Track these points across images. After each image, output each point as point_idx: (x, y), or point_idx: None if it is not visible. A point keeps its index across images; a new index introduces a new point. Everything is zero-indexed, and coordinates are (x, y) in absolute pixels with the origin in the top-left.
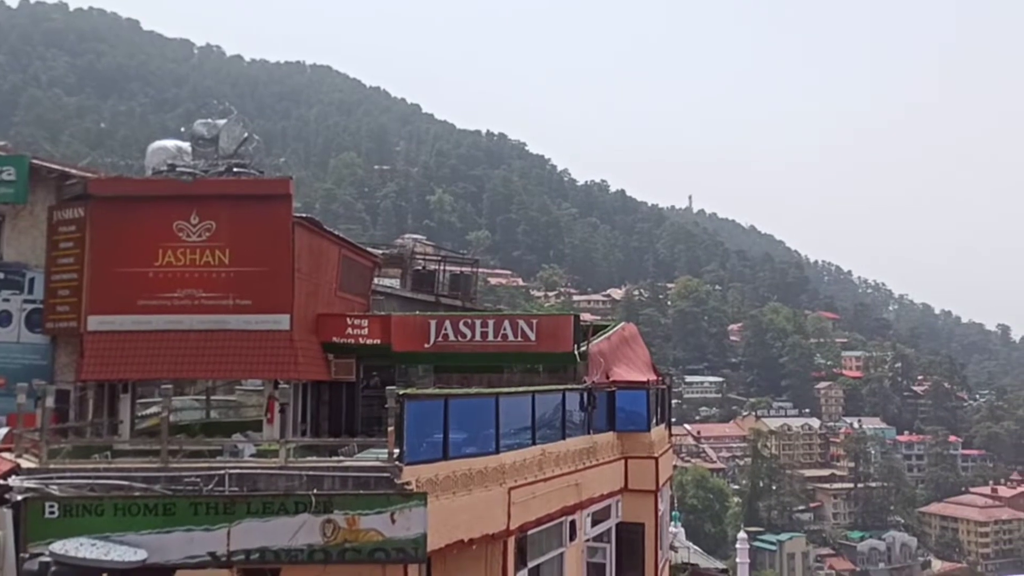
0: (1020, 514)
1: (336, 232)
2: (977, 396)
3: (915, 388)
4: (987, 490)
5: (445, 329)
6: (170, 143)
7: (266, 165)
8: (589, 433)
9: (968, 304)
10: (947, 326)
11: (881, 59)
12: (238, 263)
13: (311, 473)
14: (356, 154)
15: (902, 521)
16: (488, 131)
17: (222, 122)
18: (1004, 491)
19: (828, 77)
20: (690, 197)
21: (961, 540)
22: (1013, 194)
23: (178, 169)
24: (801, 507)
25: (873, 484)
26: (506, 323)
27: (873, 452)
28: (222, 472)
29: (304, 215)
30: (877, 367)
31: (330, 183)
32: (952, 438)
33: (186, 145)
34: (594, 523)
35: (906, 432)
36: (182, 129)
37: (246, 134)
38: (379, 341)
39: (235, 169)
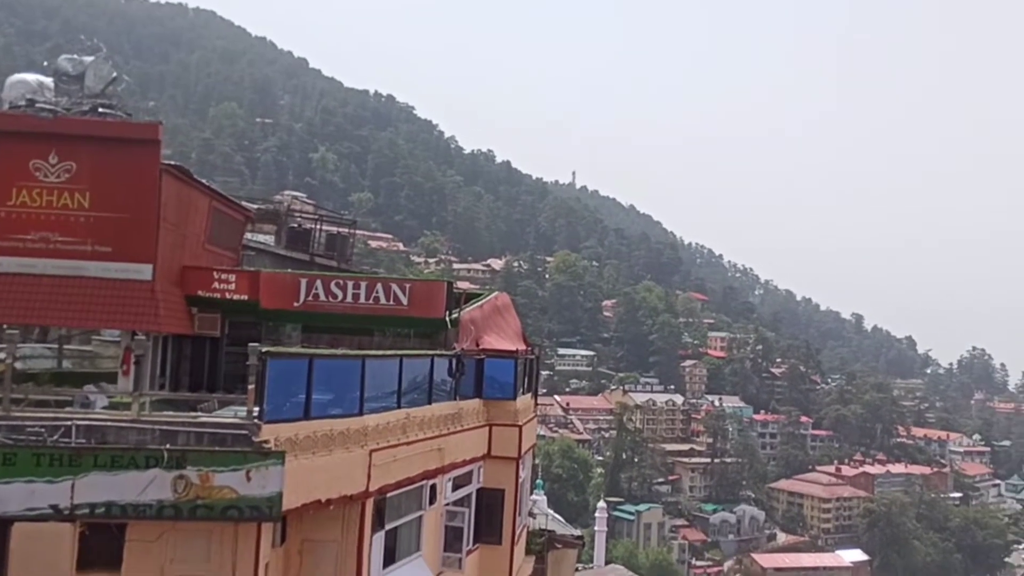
0: (860, 492)
1: (207, 183)
2: (829, 380)
3: (773, 370)
4: (832, 469)
5: (316, 289)
6: (31, 77)
7: (138, 109)
8: (455, 399)
9: (827, 292)
10: (807, 312)
11: (758, 41)
12: (99, 208)
13: (165, 428)
14: (237, 105)
15: (753, 495)
16: (376, 92)
17: (89, 59)
18: (847, 470)
19: (708, 60)
20: (574, 173)
21: (805, 515)
22: (869, 192)
23: (37, 105)
24: (660, 479)
25: (729, 460)
26: (379, 286)
27: (731, 429)
28: (69, 423)
29: (173, 163)
30: (740, 348)
31: (208, 133)
32: (804, 419)
33: (49, 81)
34: (455, 487)
35: (762, 411)
36: (45, 63)
37: (115, 74)
38: (247, 297)
39: (100, 110)
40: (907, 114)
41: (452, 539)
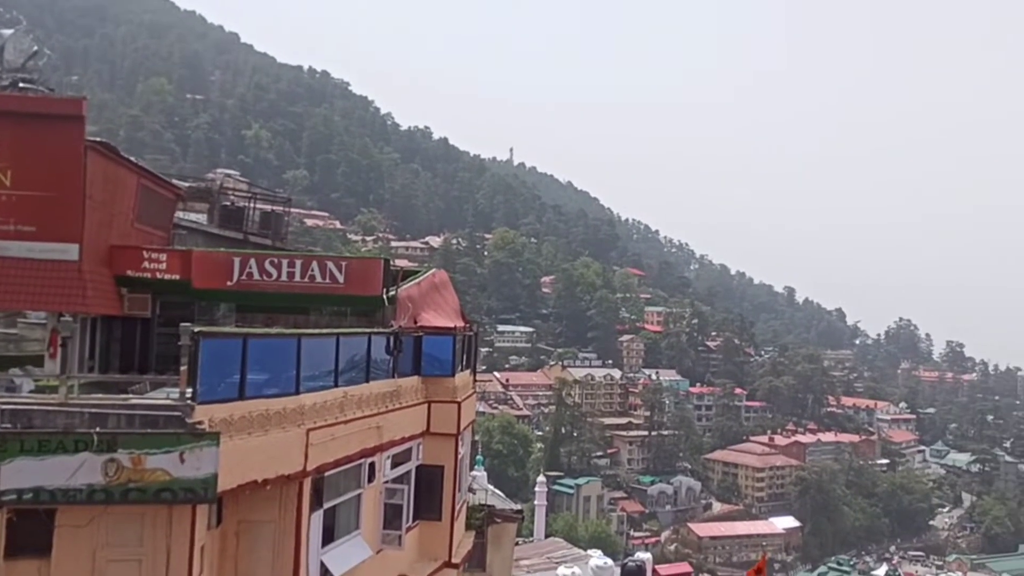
0: (792, 461)
1: (136, 160)
2: (762, 352)
3: (709, 343)
4: (765, 439)
5: (250, 267)
6: None
7: (61, 84)
8: (394, 377)
9: (760, 266)
10: (741, 286)
11: (690, 9)
12: (21, 186)
13: (94, 411)
14: (167, 81)
15: (689, 467)
16: (311, 68)
17: (9, 32)
18: (779, 440)
19: (641, 32)
20: (511, 150)
21: (740, 484)
22: (800, 170)
23: None
24: (599, 453)
25: (666, 432)
26: (314, 264)
27: (667, 402)
28: None
29: (99, 139)
30: (676, 323)
31: (137, 109)
32: (738, 390)
33: None
34: (394, 465)
35: (698, 384)
36: None
37: (36, 47)
38: (178, 277)
39: (21, 85)
40: (827, 99)
41: (392, 516)
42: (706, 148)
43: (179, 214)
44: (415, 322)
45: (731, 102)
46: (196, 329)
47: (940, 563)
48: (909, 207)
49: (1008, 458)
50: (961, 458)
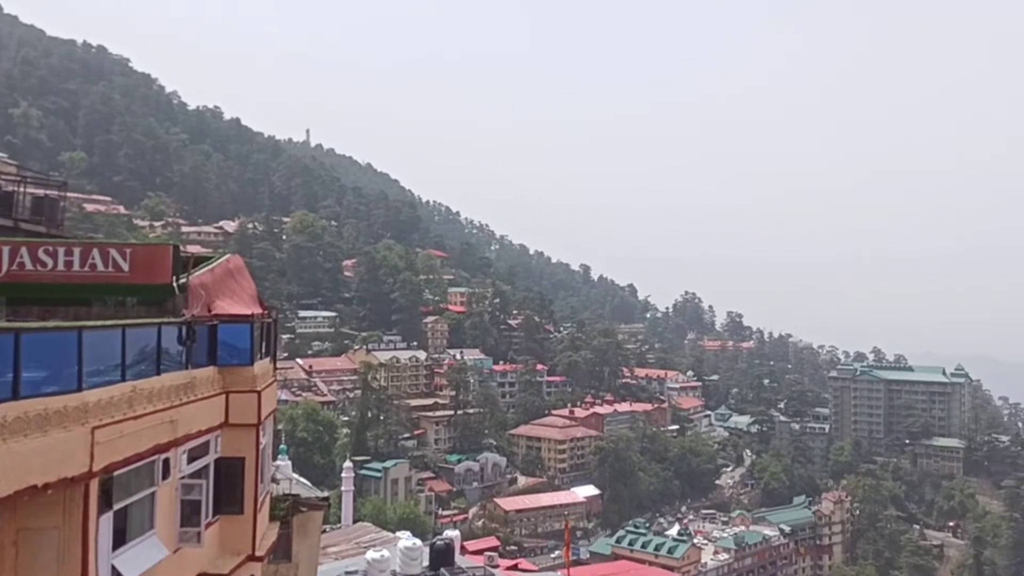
0: (591, 432)
1: None
2: (561, 329)
3: (510, 322)
4: (566, 412)
5: (21, 257)
6: None
7: None
8: (188, 368)
9: (557, 245)
10: (540, 265)
11: None
12: None
13: None
14: None
15: (494, 443)
16: (85, 42)
17: None
18: (579, 412)
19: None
20: (308, 131)
21: (543, 457)
22: (586, 146)
23: None
24: (406, 435)
25: (471, 411)
26: (95, 252)
27: (472, 381)
28: None
29: None
30: (479, 302)
31: None
32: (539, 366)
33: None
34: (191, 460)
35: (501, 362)
36: None
37: None
38: None
39: None
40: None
41: (190, 513)
42: (500, 124)
43: None
44: (209, 310)
45: (509, 83)
46: None
47: (726, 519)
48: (690, 190)
49: (782, 418)
50: (742, 420)
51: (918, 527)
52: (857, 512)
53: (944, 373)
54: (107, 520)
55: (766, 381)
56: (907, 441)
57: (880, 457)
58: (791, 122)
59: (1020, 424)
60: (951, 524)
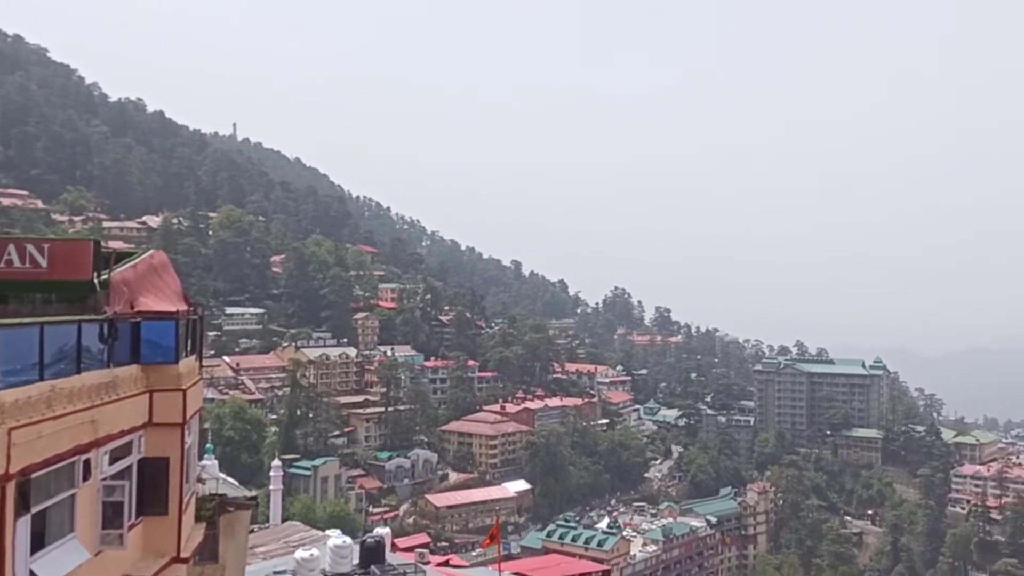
0: (522, 427)
1: None
2: (493, 324)
3: (442, 318)
4: (497, 408)
5: None
6: None
7: None
8: (110, 367)
9: (489, 241)
10: (471, 261)
11: None
12: None
13: None
14: None
15: (426, 439)
16: (0, 30)
17: None
18: (511, 408)
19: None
20: (235, 125)
21: (475, 453)
22: (510, 141)
23: None
24: (336, 432)
25: (402, 407)
26: (11, 247)
27: (403, 377)
28: None
29: None
30: (410, 298)
31: None
32: (471, 362)
33: None
34: (113, 460)
35: (433, 358)
36: None
37: None
38: None
39: None
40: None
41: (112, 515)
42: (431, 121)
43: None
44: (132, 307)
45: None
46: None
47: (655, 511)
48: (618, 183)
49: (709, 411)
50: (670, 414)
51: (839, 516)
52: (781, 502)
53: (864, 366)
54: (25, 523)
55: (693, 375)
56: (828, 432)
57: (803, 448)
58: (708, 120)
59: (935, 415)
60: (870, 512)
